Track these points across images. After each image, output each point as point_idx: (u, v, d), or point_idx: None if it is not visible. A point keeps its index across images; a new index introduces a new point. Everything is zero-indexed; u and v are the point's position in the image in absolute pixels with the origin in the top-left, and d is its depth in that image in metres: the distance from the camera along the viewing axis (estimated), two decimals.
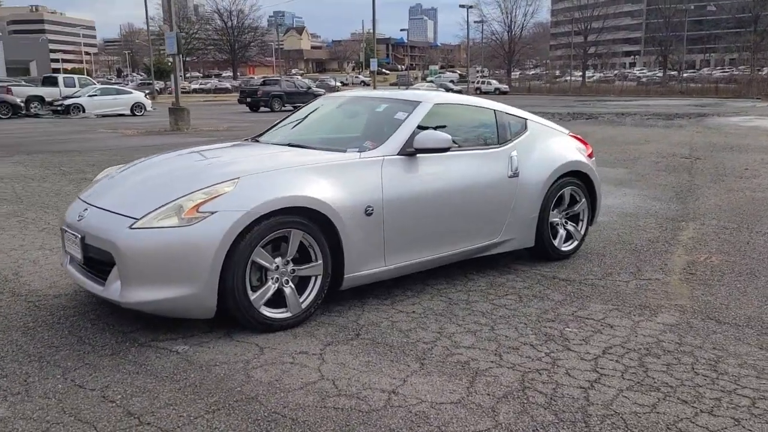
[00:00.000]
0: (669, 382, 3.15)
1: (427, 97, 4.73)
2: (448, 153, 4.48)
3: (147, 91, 38.23)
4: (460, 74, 79.25)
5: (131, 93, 30.17)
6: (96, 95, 28.10)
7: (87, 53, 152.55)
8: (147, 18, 49.57)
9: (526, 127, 5.14)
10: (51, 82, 31.34)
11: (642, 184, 9.34)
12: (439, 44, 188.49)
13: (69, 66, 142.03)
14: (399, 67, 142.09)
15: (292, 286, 3.74)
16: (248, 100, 34.56)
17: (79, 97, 27.82)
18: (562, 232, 5.23)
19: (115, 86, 31.67)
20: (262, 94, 33.98)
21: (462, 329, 3.80)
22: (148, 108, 29.74)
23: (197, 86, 76.22)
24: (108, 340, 3.57)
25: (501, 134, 4.93)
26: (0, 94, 26.70)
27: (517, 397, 2.97)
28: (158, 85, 75.53)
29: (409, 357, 3.40)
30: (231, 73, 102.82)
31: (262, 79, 41.71)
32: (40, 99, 28.85)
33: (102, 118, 26.70)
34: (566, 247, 5.28)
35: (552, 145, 5.18)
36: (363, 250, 3.97)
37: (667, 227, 6.52)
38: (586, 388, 3.08)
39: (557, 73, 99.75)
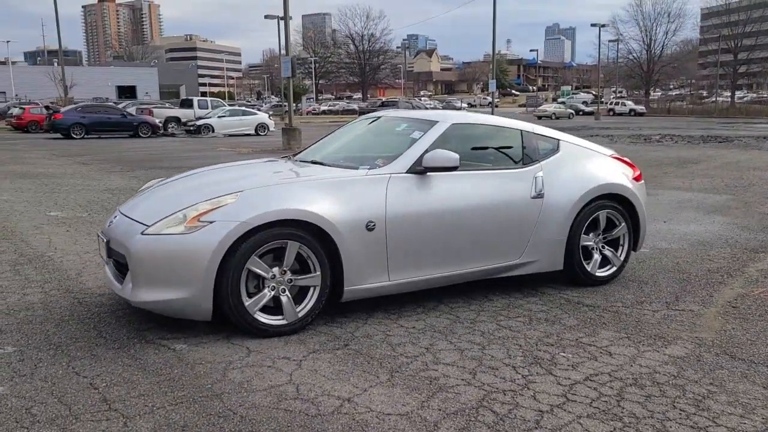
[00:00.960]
0: (638, 413, 3.02)
1: (446, 116, 4.80)
2: (465, 172, 4.54)
3: (271, 113, 40.34)
4: (594, 95, 76.68)
5: (256, 114, 32.01)
6: (224, 116, 30.08)
7: (231, 77, 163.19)
8: (279, 44, 52.09)
9: (558, 148, 5.05)
10: (187, 104, 33.96)
11: (739, 212, 8.73)
12: (574, 64, 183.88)
13: (215, 89, 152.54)
14: (530, 88, 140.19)
15: (289, 294, 3.94)
16: None
17: (210, 118, 29.91)
18: (596, 256, 5.07)
19: (242, 108, 33.69)
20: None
21: (452, 347, 3.82)
22: (271, 128, 31.37)
23: (326, 108, 79.14)
24: (121, 335, 3.94)
25: (527, 154, 4.89)
26: (142, 116, 29.26)
27: (466, 415, 2.98)
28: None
29: (383, 369, 3.48)
30: (360, 95, 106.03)
31: (380, 101, 42.72)
32: (177, 120, 31.31)
33: (229, 137, 28.49)
34: (602, 273, 5.10)
35: (586, 167, 5.05)
36: (364, 264, 4.10)
37: (740, 258, 6.09)
38: (544, 412, 3.02)
39: (704, 93, 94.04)
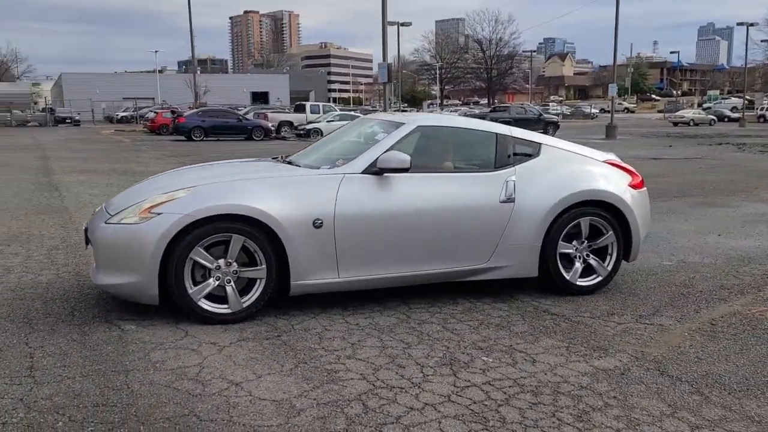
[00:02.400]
0: (509, 418, 2.98)
1: (412, 119, 4.85)
2: (428, 174, 4.61)
3: None
4: (749, 100, 70.42)
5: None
6: (333, 120, 31.04)
7: (361, 83, 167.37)
8: (398, 49, 52.92)
9: (538, 153, 4.95)
10: (300, 109, 35.38)
11: None
12: (726, 66, 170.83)
13: (345, 95, 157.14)
14: (674, 92, 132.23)
15: (233, 285, 4.17)
16: None
17: (320, 122, 31.00)
18: (578, 265, 4.91)
19: (351, 113, 34.54)
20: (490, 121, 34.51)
21: (379, 344, 3.89)
22: None
23: (448, 114, 79.26)
24: (88, 315, 4.34)
25: (500, 158, 4.83)
26: (256, 120, 30.86)
27: (335, 406, 3.07)
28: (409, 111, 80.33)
29: (293, 360, 3.63)
30: (486, 101, 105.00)
31: (493, 107, 42.24)
32: (290, 124, 32.73)
33: None
34: (584, 282, 4.93)
35: (567, 172, 4.91)
36: (312, 260, 4.26)
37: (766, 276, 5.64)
38: (413, 409, 3.06)
39: None
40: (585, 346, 3.92)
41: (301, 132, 30.44)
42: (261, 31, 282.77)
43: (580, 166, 5.01)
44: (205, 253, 4.10)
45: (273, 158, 5.34)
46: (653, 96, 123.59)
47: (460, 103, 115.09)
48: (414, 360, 3.66)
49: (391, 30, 54.48)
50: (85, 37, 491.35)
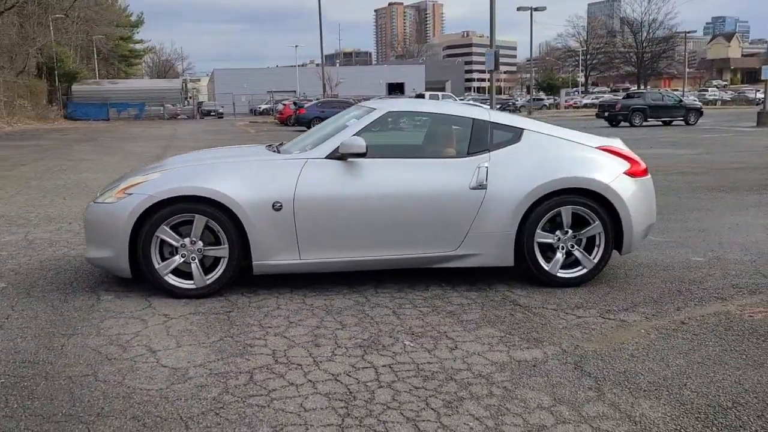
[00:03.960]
0: (380, 400, 3.01)
1: (384, 105, 4.87)
2: (396, 160, 4.65)
3: (498, 107, 40.27)
4: None
5: (481, 107, 32.29)
6: None
7: (505, 72, 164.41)
8: (531, 38, 51.63)
9: (519, 138, 4.80)
10: (419, 98, 35.56)
11: None
12: None
13: (484, 84, 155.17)
14: None
15: (197, 263, 4.46)
16: (606, 114, 33.76)
17: None
18: (559, 255, 4.72)
19: (469, 102, 34.13)
20: (620, 108, 32.81)
21: (311, 325, 4.01)
22: None
23: (588, 101, 75.95)
24: (82, 285, 4.82)
25: (474, 144, 4.74)
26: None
27: (223, 376, 3.25)
28: (548, 100, 77.81)
29: (221, 334, 3.85)
30: (636, 87, 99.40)
31: (626, 93, 40.03)
32: None
33: None
34: (566, 274, 4.74)
35: (548, 158, 4.72)
36: (273, 241, 4.45)
37: None
38: (295, 385, 3.17)
39: None
40: (522, 337, 3.81)
41: None
42: (404, 22, 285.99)
43: (564, 153, 4.80)
44: (170, 231, 4.41)
45: (267, 146, 5.56)
46: None
47: (609, 90, 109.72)
48: (335, 340, 3.75)
49: (545, 16, 53.11)
50: (243, 35, 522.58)
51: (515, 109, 66.06)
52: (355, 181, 4.53)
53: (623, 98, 36.22)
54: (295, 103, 35.94)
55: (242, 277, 4.66)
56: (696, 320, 4.06)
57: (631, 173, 4.83)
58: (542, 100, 78.05)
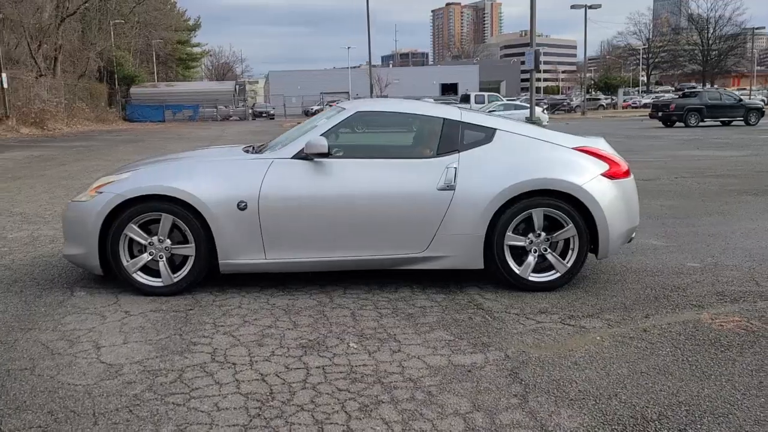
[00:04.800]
0: (295, 399, 2.99)
1: (353, 105, 4.83)
2: (363, 160, 4.64)
3: (545, 106, 39.68)
4: None
5: (526, 107, 31.81)
6: (495, 111, 30.60)
7: (563, 71, 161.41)
8: (585, 35, 50.59)
9: (491, 138, 4.70)
10: (465, 99, 35.26)
11: None
12: None
13: (543, 84, 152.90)
14: None
15: (164, 261, 4.53)
16: (659, 114, 32.78)
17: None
18: (530, 259, 4.60)
19: (515, 102, 33.67)
20: (675, 107, 31.80)
21: (265, 325, 4.02)
22: (544, 122, 30.96)
23: (649, 101, 73.77)
24: (62, 280, 4.96)
25: (444, 144, 4.66)
26: None
27: (154, 375, 3.29)
28: (605, 100, 75.96)
29: (170, 331, 3.90)
30: (702, 86, 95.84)
31: (681, 92, 38.72)
32: None
33: None
34: (538, 278, 4.62)
35: (519, 159, 4.61)
36: (237, 240, 4.49)
37: None
38: (216, 383, 3.18)
39: None
40: (471, 342, 3.73)
41: None
42: (462, 22, 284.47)
43: (537, 153, 4.67)
44: (138, 229, 4.49)
45: (246, 147, 5.56)
46: None
47: (673, 89, 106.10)
48: (281, 341, 3.75)
49: (588, 14, 52.10)
50: (302, 37, 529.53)
51: (570, 109, 64.83)
52: (320, 182, 4.52)
53: (679, 97, 35.08)
54: (330, 105, 36.17)
55: (216, 276, 4.71)
56: (659, 328, 3.90)
57: (609, 175, 4.67)
58: (599, 99, 76.28)
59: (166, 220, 4.47)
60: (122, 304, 4.40)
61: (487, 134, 4.73)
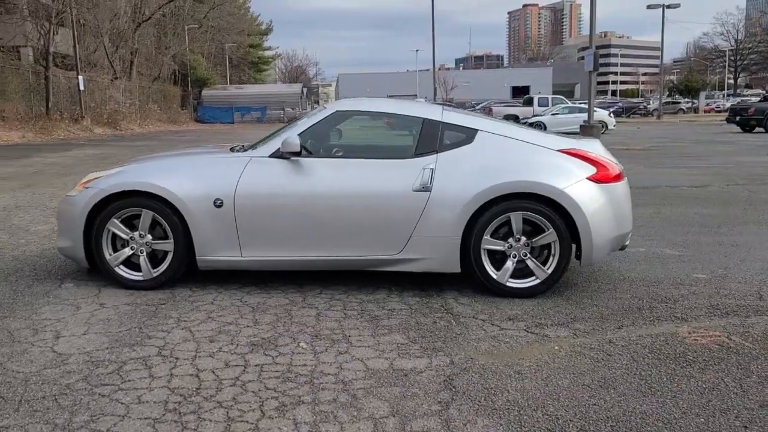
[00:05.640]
0: (219, 396, 3.01)
1: (335, 105, 4.81)
2: (340, 160, 4.63)
3: (612, 110, 38.51)
4: None
5: (595, 111, 30.91)
6: (558, 114, 29.96)
7: (639, 74, 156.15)
8: (662, 34, 48.84)
9: (471, 139, 4.59)
10: (528, 102, 34.63)
11: None
12: None
13: (623, 87, 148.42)
14: None
15: (145, 256, 4.64)
16: (737, 119, 31.30)
17: (543, 115, 30.12)
18: (509, 264, 4.47)
19: (579, 106, 32.78)
20: (754, 112, 30.30)
21: (227, 322, 4.05)
22: (611, 127, 30.12)
23: (732, 104, 70.44)
24: (59, 274, 5.15)
25: (423, 144, 4.58)
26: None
27: (95, 365, 3.37)
28: (685, 104, 72.97)
29: (133, 324, 3.98)
30: None
31: (762, 96, 36.78)
32: (515, 118, 32.27)
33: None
34: (516, 284, 4.47)
35: (498, 161, 4.47)
36: (214, 237, 4.55)
37: None
38: (149, 377, 3.23)
39: None
40: (424, 346, 3.65)
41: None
42: (539, 24, 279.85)
43: (517, 155, 4.52)
44: (120, 224, 4.61)
45: (233, 146, 5.56)
46: None
47: (765, 92, 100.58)
48: (234, 338, 3.77)
49: (669, 15, 50.27)
50: (374, 40, 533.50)
51: (646, 113, 62.61)
52: (295, 180, 4.52)
53: (759, 101, 33.41)
54: None
55: (203, 273, 4.78)
56: (626, 340, 3.70)
57: (596, 179, 4.48)
58: (678, 103, 73.39)
59: (146, 216, 4.58)
60: (102, 296, 4.53)
61: (468, 135, 4.62)
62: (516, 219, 4.41)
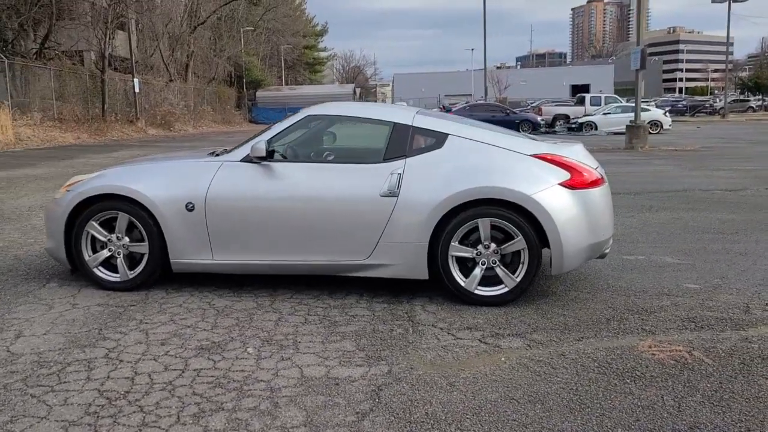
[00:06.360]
0: (146, 401, 3.05)
1: (308, 110, 4.80)
2: (309, 164, 4.66)
3: (667, 109, 37.28)
4: None
5: (648, 110, 29.98)
6: (610, 113, 29.18)
7: (709, 70, 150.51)
8: (728, 25, 47.07)
9: (441, 144, 4.51)
10: (581, 101, 33.86)
11: None
12: None
13: (691, 84, 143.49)
14: None
15: (122, 258, 4.74)
16: None
17: (595, 115, 29.40)
18: (477, 272, 4.37)
19: (632, 105, 31.74)
20: None
21: (186, 325, 4.10)
22: (666, 126, 29.20)
23: None
24: (46, 273, 5.32)
25: (392, 149, 4.52)
26: (525, 114, 30.55)
27: (42, 366, 3.47)
28: (755, 102, 69.98)
29: (93, 325, 4.07)
30: None
31: None
32: (565, 117, 31.64)
33: (612, 135, 27.62)
34: (485, 292, 4.38)
35: (467, 166, 4.38)
36: (187, 240, 4.62)
37: None
38: (86, 380, 3.30)
39: None
40: (369, 354, 3.61)
41: (573, 126, 29.28)
42: (604, 20, 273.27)
43: (487, 160, 4.42)
44: (98, 227, 4.73)
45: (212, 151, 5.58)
46: None
47: None
48: (185, 341, 3.81)
49: (740, 9, 48.43)
50: (433, 39, 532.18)
51: (712, 112, 60.33)
52: (265, 185, 4.54)
53: None
54: (444, 107, 36.01)
55: (182, 275, 4.85)
56: (580, 353, 3.57)
57: (569, 184, 4.34)
58: (748, 101, 70.53)
59: (123, 219, 4.68)
60: (78, 297, 4.65)
61: (438, 139, 4.54)
62: (484, 225, 4.31)
